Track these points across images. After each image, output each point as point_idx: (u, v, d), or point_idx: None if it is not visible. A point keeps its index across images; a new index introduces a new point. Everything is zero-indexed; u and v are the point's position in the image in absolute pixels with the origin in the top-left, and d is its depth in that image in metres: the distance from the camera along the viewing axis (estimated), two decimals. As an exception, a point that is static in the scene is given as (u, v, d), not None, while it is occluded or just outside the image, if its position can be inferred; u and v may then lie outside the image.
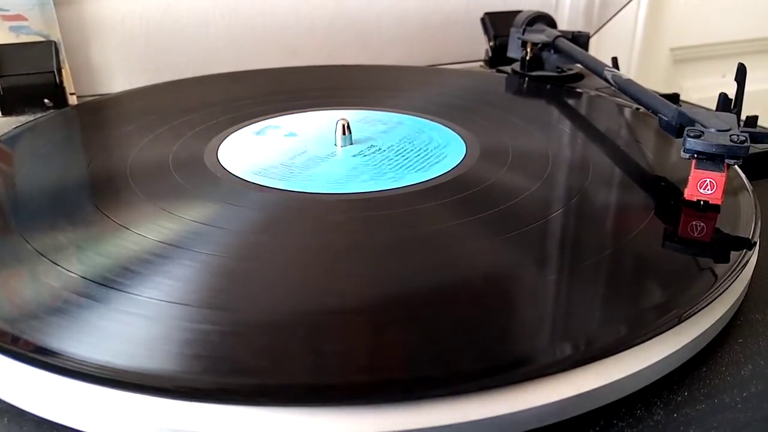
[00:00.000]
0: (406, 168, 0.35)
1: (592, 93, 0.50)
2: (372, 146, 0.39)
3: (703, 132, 0.31)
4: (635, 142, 0.41)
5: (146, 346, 0.22)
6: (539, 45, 0.55)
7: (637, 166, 0.38)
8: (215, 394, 0.20)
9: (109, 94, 0.55)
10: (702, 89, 0.80)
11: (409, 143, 0.39)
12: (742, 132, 0.31)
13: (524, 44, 0.56)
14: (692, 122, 0.33)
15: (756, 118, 0.36)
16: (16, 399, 0.22)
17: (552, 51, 0.54)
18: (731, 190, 0.33)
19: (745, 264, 0.27)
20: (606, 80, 0.44)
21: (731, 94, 0.35)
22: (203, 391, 0.20)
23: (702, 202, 0.31)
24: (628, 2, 0.74)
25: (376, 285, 0.26)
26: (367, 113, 0.45)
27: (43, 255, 0.27)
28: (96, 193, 0.34)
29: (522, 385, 0.20)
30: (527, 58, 0.55)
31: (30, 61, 0.48)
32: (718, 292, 0.25)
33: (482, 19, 0.62)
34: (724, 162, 0.30)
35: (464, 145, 0.38)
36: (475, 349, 0.22)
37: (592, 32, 0.72)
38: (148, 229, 0.28)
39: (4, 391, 0.22)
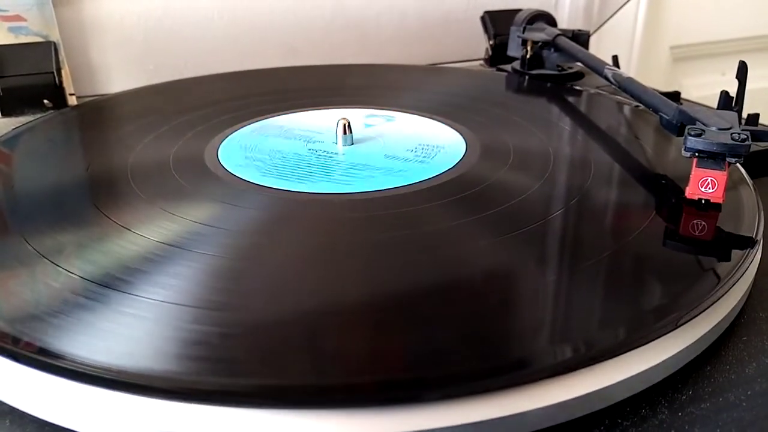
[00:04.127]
0: (406, 167, 0.35)
1: (593, 91, 0.50)
2: (372, 145, 0.39)
3: (704, 130, 0.31)
4: (636, 141, 0.41)
5: (147, 348, 0.22)
6: (539, 43, 0.55)
7: (638, 165, 0.37)
8: (216, 396, 0.20)
9: (108, 94, 0.55)
10: (702, 87, 0.80)
11: (410, 142, 0.39)
12: (743, 130, 0.31)
13: (524, 43, 0.55)
14: (693, 121, 0.33)
15: (757, 116, 0.35)
16: (18, 401, 0.22)
17: (552, 49, 0.54)
18: (733, 188, 0.32)
19: (749, 263, 0.27)
20: (606, 78, 0.44)
21: (732, 91, 0.35)
22: (204, 392, 0.20)
23: (703, 201, 0.31)
24: (628, 0, 0.74)
25: (376, 286, 0.26)
26: (368, 112, 0.45)
27: (43, 256, 0.27)
28: (96, 193, 0.34)
29: (527, 386, 0.20)
30: (527, 56, 0.55)
31: (29, 61, 0.47)
32: (722, 291, 0.24)
33: (482, 18, 0.62)
34: (725, 160, 0.30)
35: (464, 144, 0.38)
36: (479, 351, 0.22)
37: (592, 30, 0.72)
38: (148, 230, 0.28)
39: (5, 393, 0.22)
